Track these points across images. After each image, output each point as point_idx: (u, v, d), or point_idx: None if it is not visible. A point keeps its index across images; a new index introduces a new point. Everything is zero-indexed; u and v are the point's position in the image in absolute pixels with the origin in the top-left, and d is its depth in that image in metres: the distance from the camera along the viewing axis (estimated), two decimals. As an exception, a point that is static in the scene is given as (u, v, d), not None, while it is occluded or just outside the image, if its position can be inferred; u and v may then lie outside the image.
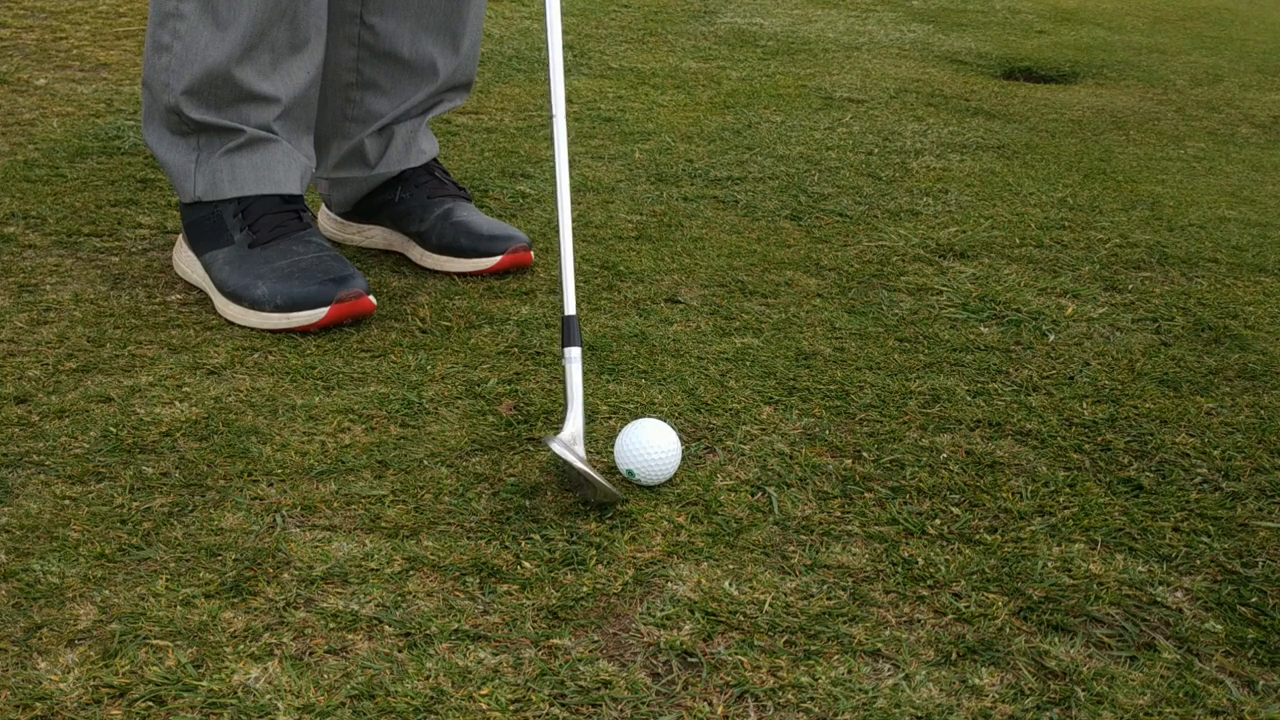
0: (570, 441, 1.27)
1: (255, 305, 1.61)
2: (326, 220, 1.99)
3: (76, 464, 1.28)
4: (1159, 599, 1.13)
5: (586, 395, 1.46)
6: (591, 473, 1.19)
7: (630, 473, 1.26)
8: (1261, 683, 1.03)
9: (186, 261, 1.73)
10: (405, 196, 1.89)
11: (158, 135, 1.72)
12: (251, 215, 1.69)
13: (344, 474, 1.28)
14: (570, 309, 1.37)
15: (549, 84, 1.53)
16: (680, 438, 1.38)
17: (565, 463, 1.20)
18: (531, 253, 1.84)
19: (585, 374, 1.52)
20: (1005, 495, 1.29)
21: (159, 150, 1.72)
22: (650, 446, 1.26)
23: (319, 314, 1.59)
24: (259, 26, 1.62)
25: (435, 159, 1.95)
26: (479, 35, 1.93)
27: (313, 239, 1.69)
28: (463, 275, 1.82)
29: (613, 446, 1.33)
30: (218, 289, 1.66)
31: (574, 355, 1.33)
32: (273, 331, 1.60)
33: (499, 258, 1.81)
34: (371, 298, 1.64)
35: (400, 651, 1.02)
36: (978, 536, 1.22)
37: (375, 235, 1.94)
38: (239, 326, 1.62)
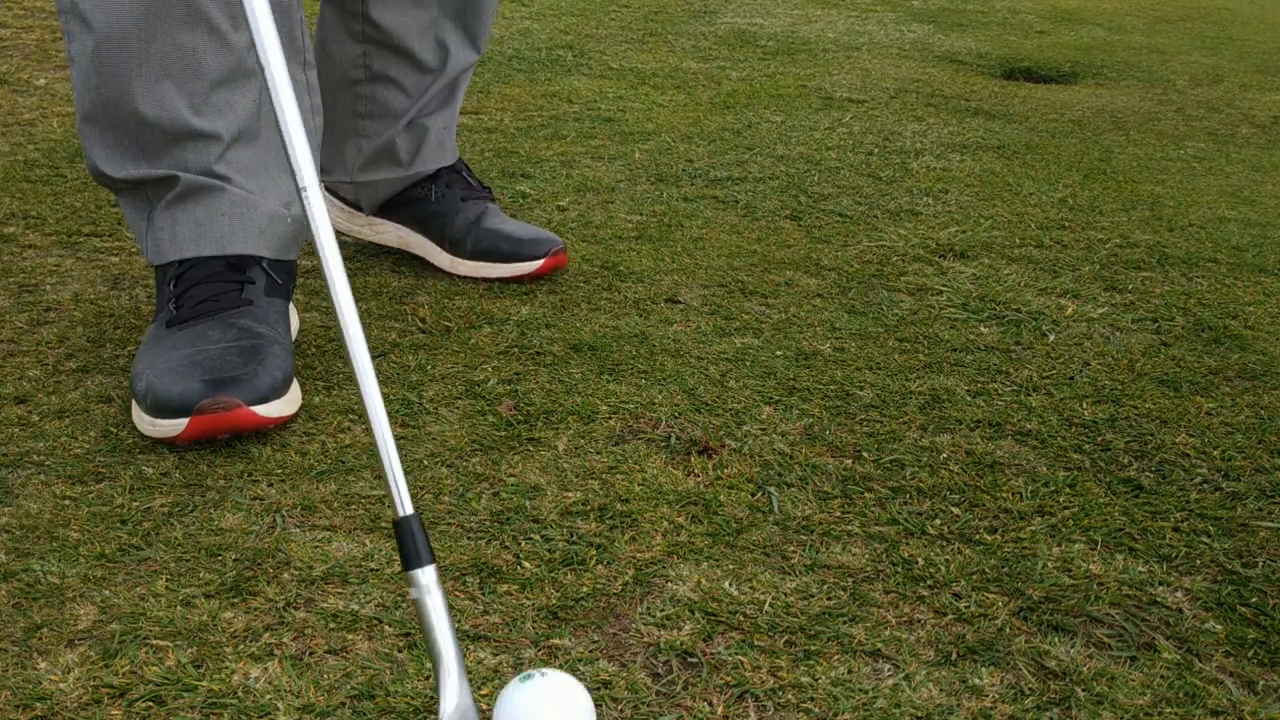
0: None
1: (137, 399, 1.34)
2: (333, 209, 1.91)
3: (76, 464, 1.28)
4: (1159, 599, 1.13)
5: (586, 396, 1.46)
6: None
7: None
8: (1261, 683, 1.03)
9: None
10: (440, 197, 1.85)
11: (117, 197, 1.52)
12: (184, 284, 1.43)
13: (344, 474, 1.28)
14: (406, 508, 0.90)
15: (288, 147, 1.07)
16: (680, 439, 1.38)
17: None
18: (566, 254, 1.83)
19: (584, 374, 1.52)
20: (1005, 495, 1.29)
21: (123, 210, 1.51)
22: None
23: (179, 425, 1.29)
24: (167, 45, 1.39)
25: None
26: (494, 17, 1.89)
27: (237, 321, 1.40)
28: (500, 280, 1.80)
29: (613, 447, 1.33)
30: None
31: (427, 580, 0.87)
32: (154, 440, 1.33)
33: (541, 261, 1.78)
34: (265, 409, 1.31)
35: (400, 651, 1.02)
36: (978, 536, 1.22)
37: (387, 231, 1.89)
38: None
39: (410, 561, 0.87)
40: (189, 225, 1.45)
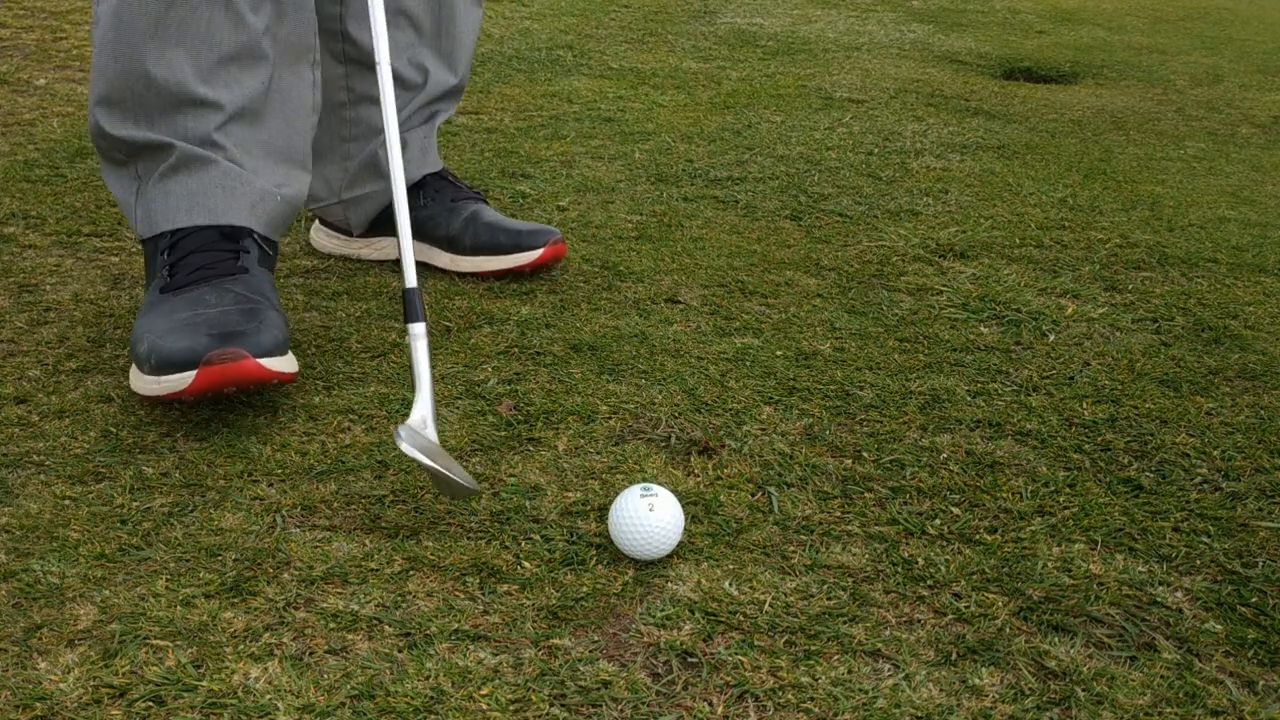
0: (420, 426, 1.22)
1: (138, 363, 1.36)
2: (323, 237, 1.91)
3: (76, 464, 1.28)
4: (1159, 599, 1.13)
5: (586, 396, 1.46)
6: (441, 469, 1.15)
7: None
8: (1261, 683, 1.03)
9: None
10: (428, 202, 1.86)
11: (104, 167, 1.55)
12: (178, 253, 1.45)
13: (344, 474, 1.28)
14: (411, 282, 1.30)
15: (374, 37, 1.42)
16: (680, 439, 1.38)
17: (417, 462, 1.14)
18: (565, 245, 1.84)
19: (584, 374, 1.52)
20: (1005, 495, 1.29)
21: (109, 184, 1.55)
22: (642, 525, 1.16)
23: (186, 379, 1.30)
24: (184, 13, 1.43)
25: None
26: (473, 46, 1.91)
27: (233, 287, 1.42)
28: (502, 273, 1.80)
29: (613, 447, 1.33)
30: None
31: (419, 331, 1.27)
32: (152, 399, 1.35)
33: (541, 250, 1.79)
34: (271, 362, 1.33)
35: (400, 651, 1.02)
36: (978, 536, 1.22)
37: (386, 246, 1.88)
38: None
39: (411, 317, 1.29)
40: (182, 196, 1.46)
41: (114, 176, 1.54)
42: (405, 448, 1.13)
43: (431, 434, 1.23)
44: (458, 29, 1.86)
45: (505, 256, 1.80)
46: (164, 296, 1.42)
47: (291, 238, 1.95)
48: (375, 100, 1.81)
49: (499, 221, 1.83)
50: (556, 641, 1.04)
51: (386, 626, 1.05)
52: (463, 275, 1.82)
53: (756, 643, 1.05)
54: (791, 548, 1.19)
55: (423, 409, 1.23)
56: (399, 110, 1.84)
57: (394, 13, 1.78)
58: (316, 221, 1.94)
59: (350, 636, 1.04)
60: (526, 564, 1.14)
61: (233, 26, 1.46)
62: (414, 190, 1.87)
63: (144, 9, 1.43)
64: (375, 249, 1.89)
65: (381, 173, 1.85)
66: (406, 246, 1.32)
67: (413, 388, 1.26)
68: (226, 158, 1.48)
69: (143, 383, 1.35)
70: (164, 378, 1.31)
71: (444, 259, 1.84)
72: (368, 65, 1.79)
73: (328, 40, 1.78)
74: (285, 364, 1.36)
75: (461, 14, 1.86)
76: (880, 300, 1.79)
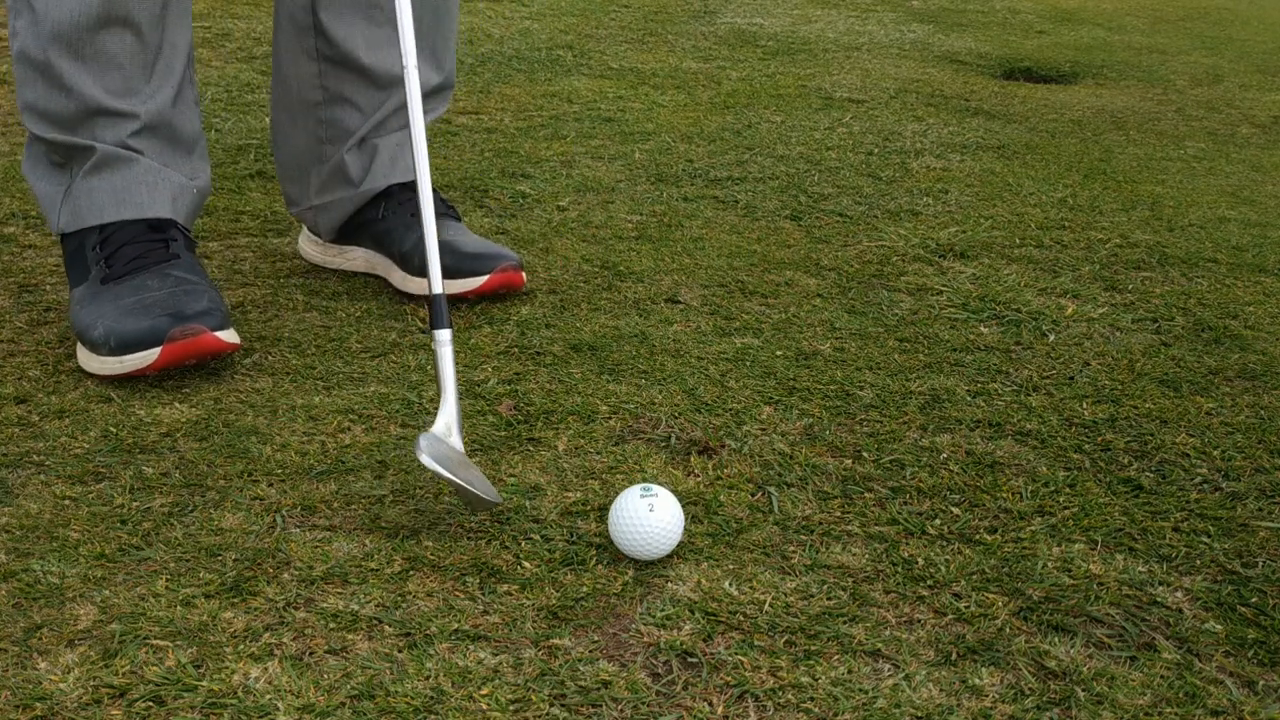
0: (445, 433, 1.22)
1: (94, 348, 1.45)
2: (307, 243, 1.86)
3: (76, 464, 1.28)
4: (1159, 599, 1.13)
5: (586, 396, 1.46)
6: (461, 481, 1.14)
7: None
8: (1261, 683, 1.03)
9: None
10: (387, 214, 1.77)
11: (33, 163, 1.60)
12: (110, 246, 1.54)
13: (344, 474, 1.28)
14: (437, 287, 1.30)
15: (401, 42, 1.39)
16: (680, 439, 1.38)
17: (436, 474, 1.14)
18: (523, 274, 1.73)
19: (584, 374, 1.52)
20: (1005, 495, 1.29)
21: (33, 180, 1.60)
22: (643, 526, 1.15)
23: (151, 355, 1.42)
24: (104, 41, 1.50)
25: None
26: (454, 39, 1.84)
27: (173, 271, 1.52)
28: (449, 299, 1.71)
29: (613, 447, 1.33)
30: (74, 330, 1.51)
31: (444, 339, 1.26)
32: (113, 378, 1.45)
33: (486, 277, 1.68)
34: (225, 335, 1.46)
35: (400, 651, 1.02)
36: (978, 536, 1.22)
37: (356, 257, 1.81)
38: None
39: (437, 324, 1.27)
40: (107, 193, 1.55)
41: (44, 173, 1.59)
42: (425, 459, 1.13)
43: (457, 442, 1.22)
44: (447, 27, 1.79)
45: (448, 280, 1.69)
46: (105, 286, 1.51)
47: (292, 238, 1.95)
48: (349, 100, 1.75)
49: (452, 241, 1.70)
50: (556, 641, 1.04)
51: (386, 626, 1.05)
52: (410, 295, 1.73)
53: (756, 643, 1.05)
54: (791, 548, 1.19)
55: (447, 416, 1.23)
56: (369, 114, 1.77)
57: (372, 6, 1.71)
58: (305, 228, 1.88)
59: (350, 636, 1.04)
60: (526, 564, 1.14)
61: (140, 47, 1.53)
62: (376, 200, 1.79)
63: (63, 33, 1.49)
64: (347, 258, 1.83)
65: (348, 179, 1.77)
66: (433, 250, 1.32)
67: (437, 394, 1.25)
68: (145, 157, 1.57)
69: (102, 364, 1.44)
70: (127, 357, 1.43)
71: (397, 276, 1.75)
72: (341, 63, 1.72)
73: (299, 36, 1.72)
74: (232, 336, 1.48)
75: (453, 11, 1.80)
76: (880, 300, 1.79)
